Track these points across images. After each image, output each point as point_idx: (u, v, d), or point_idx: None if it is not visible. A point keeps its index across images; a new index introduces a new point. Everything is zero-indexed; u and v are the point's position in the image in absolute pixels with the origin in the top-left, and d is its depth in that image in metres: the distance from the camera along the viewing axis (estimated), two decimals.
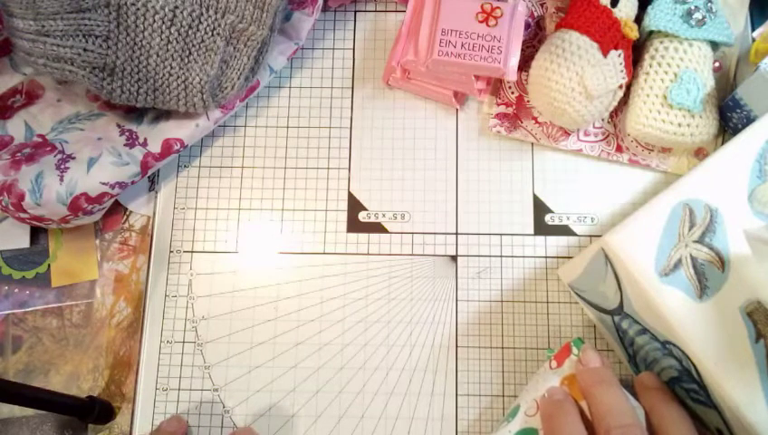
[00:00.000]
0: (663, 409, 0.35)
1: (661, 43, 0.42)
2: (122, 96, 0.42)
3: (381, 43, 0.49)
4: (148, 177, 0.46)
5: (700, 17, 0.42)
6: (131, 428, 0.42)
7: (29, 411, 0.42)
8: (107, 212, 0.45)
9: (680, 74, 0.41)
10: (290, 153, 0.47)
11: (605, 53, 0.41)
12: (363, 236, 0.45)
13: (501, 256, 0.44)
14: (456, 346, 0.43)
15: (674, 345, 0.35)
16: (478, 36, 0.42)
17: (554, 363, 0.38)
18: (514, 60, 0.42)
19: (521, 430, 0.36)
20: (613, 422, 0.32)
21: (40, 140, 0.43)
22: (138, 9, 0.40)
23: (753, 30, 0.46)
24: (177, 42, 0.41)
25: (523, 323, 0.43)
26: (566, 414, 0.34)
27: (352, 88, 0.48)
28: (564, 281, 0.43)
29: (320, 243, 0.45)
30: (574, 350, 0.38)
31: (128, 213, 0.46)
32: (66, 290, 0.45)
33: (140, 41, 0.40)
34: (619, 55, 0.42)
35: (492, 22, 0.42)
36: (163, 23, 0.40)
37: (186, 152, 0.47)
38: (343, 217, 0.46)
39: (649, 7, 0.43)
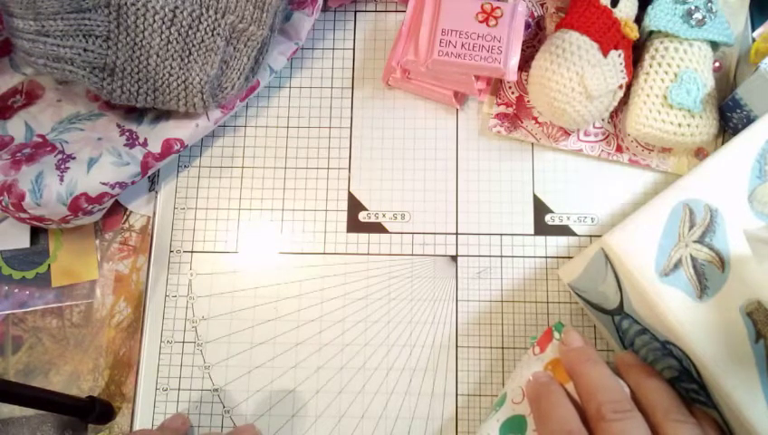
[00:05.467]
0: (647, 383, 0.35)
1: (661, 43, 0.42)
2: (122, 96, 0.42)
3: (381, 43, 0.49)
4: (148, 177, 0.46)
5: (700, 17, 0.42)
6: (131, 428, 0.42)
7: (29, 411, 0.42)
8: (107, 212, 0.45)
9: (680, 74, 0.41)
10: (290, 153, 0.47)
11: (605, 53, 0.41)
12: (363, 236, 0.45)
13: (501, 256, 0.44)
14: (456, 346, 0.43)
15: (674, 345, 0.35)
16: (478, 36, 0.42)
17: (537, 350, 0.38)
18: (514, 60, 0.42)
19: (508, 419, 0.36)
20: (604, 398, 0.32)
21: (40, 140, 0.43)
22: (138, 9, 0.40)
23: (753, 30, 0.46)
24: (177, 42, 0.41)
25: (523, 323, 0.43)
26: (554, 395, 0.34)
27: (352, 88, 0.48)
28: (564, 281, 0.43)
29: (320, 243, 0.45)
30: (555, 334, 0.38)
31: (128, 213, 0.46)
32: (66, 290, 0.45)
33: (140, 41, 0.40)
34: (620, 55, 0.42)
35: (492, 22, 0.42)
36: (163, 23, 0.40)
37: (186, 152, 0.47)
38: (343, 217, 0.46)
39: (649, 7, 0.43)
